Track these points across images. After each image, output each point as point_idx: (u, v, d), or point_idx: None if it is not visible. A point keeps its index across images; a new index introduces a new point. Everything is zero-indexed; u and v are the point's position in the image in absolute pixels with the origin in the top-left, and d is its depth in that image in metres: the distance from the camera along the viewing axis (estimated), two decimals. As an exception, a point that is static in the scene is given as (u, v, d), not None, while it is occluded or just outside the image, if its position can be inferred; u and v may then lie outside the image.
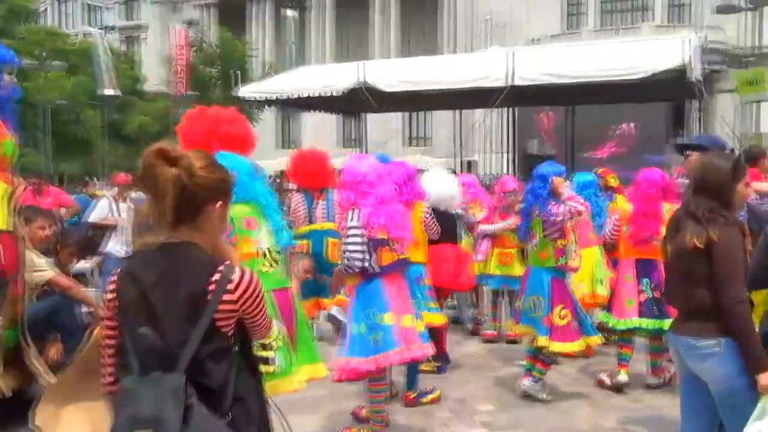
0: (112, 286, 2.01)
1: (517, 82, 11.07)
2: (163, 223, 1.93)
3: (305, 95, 12.00)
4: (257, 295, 2.00)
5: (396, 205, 4.30)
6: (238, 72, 15.39)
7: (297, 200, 5.73)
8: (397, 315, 4.18)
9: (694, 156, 4.31)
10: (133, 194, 7.99)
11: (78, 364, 2.73)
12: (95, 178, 20.06)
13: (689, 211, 3.05)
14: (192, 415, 1.83)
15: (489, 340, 7.05)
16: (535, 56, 12.65)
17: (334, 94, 11.60)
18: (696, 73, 10.76)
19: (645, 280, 5.40)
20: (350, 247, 4.19)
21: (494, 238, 6.91)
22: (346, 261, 4.20)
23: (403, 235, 4.25)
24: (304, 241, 5.69)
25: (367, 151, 14.01)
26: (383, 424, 4.36)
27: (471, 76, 11.35)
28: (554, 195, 4.98)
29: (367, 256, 4.18)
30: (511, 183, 7.15)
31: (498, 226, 6.91)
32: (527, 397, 5.30)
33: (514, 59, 11.00)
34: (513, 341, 6.82)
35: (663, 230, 5.29)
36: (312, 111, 15.11)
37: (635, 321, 5.39)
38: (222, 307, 1.92)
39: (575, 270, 5.57)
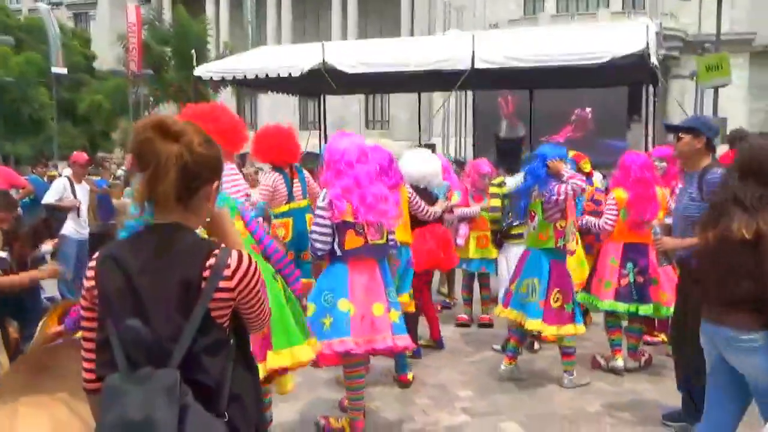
0: (90, 273, 1.80)
1: (479, 65, 10.99)
2: (162, 204, 1.76)
3: (265, 75, 11.74)
4: (256, 282, 1.83)
5: (374, 188, 4.10)
6: (194, 51, 14.97)
7: (277, 178, 5.54)
8: (359, 303, 4.02)
9: (686, 138, 4.26)
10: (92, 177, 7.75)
11: (29, 357, 2.57)
12: (50, 159, 19.42)
13: (736, 199, 2.91)
14: (188, 416, 1.63)
15: (462, 324, 7.04)
16: (496, 40, 12.62)
17: (295, 74, 11.36)
18: (654, 59, 10.88)
19: (629, 265, 5.42)
20: (314, 228, 4.08)
21: (471, 221, 6.86)
22: (310, 244, 4.09)
23: (373, 220, 4.07)
24: (286, 220, 5.53)
25: (326, 134, 13.84)
26: (361, 412, 4.25)
27: (433, 59, 11.24)
28: (555, 176, 4.95)
29: (330, 239, 4.04)
30: (486, 166, 7.13)
31: (475, 209, 6.89)
32: (506, 381, 5.28)
33: (475, 42, 10.91)
34: (486, 325, 6.85)
35: (661, 214, 5.35)
36: (271, 92, 14.82)
37: (608, 303, 5.42)
38: (218, 295, 1.75)
39: (572, 253, 5.58)
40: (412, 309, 5.32)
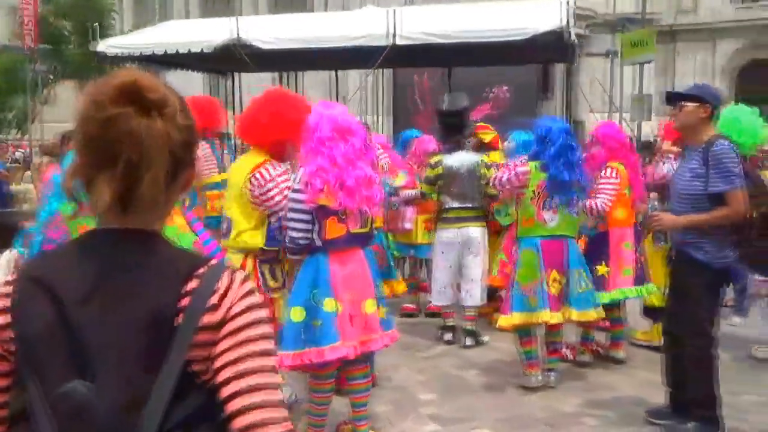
0: (0, 303, 1.18)
1: (399, 41, 10.79)
2: (138, 205, 1.17)
3: (174, 51, 11.12)
4: (256, 321, 1.18)
5: (357, 170, 3.57)
6: (96, 25, 14.05)
7: (205, 148, 5.16)
8: (346, 301, 3.56)
9: (689, 107, 4.04)
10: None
11: None
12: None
13: None
14: None
15: (408, 315, 6.76)
16: (416, 15, 12.39)
17: (206, 51, 10.80)
18: (573, 36, 10.95)
19: (638, 246, 5.28)
20: (290, 215, 3.54)
21: (418, 204, 6.56)
22: (287, 237, 3.55)
23: (354, 207, 3.56)
24: (219, 191, 5.10)
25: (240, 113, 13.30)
26: (322, 429, 3.83)
27: (352, 35, 10.93)
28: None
29: (310, 227, 3.54)
30: (432, 144, 6.79)
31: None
32: (468, 382, 5.04)
33: (395, 18, 10.66)
34: (434, 314, 6.58)
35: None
36: (179, 69, 14.12)
37: (629, 291, 5.20)
38: (201, 337, 1.14)
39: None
40: (403, 288, 5.20)
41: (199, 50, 10.94)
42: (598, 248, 5.24)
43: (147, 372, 1.10)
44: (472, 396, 4.85)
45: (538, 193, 4.78)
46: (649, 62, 13.03)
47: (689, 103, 4.05)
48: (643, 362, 5.48)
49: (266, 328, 1.19)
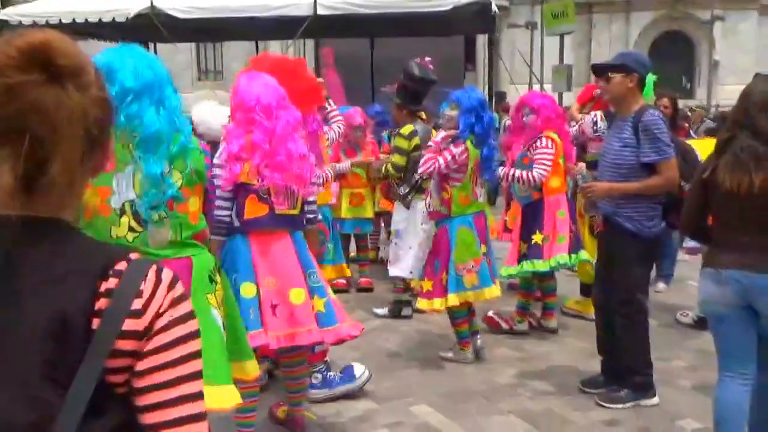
0: None
1: (321, 11, 10.58)
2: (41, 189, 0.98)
3: (84, 20, 10.55)
4: (187, 334, 1.02)
5: (291, 144, 3.30)
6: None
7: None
8: (268, 289, 3.30)
9: (616, 78, 4.00)
10: None
11: None
12: None
13: None
14: None
15: (339, 291, 6.64)
16: (338, -15, 12.17)
17: (119, 19, 10.30)
18: (494, 8, 11.02)
19: (572, 215, 5.29)
20: (218, 193, 3.27)
21: (342, 178, 6.38)
22: (213, 216, 3.25)
23: (282, 184, 3.30)
24: None
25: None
26: (252, 429, 3.60)
27: (273, 4, 10.63)
28: None
29: (229, 203, 3.29)
30: (358, 117, 6.60)
31: (346, 164, 6.41)
32: (401, 358, 4.95)
33: (317, -13, 10.42)
34: (365, 289, 6.48)
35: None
36: (91, 39, 13.45)
37: (564, 258, 5.13)
38: (121, 344, 0.97)
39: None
40: (347, 273, 4.91)
41: (111, 19, 10.43)
42: (533, 217, 5.23)
43: (55, 387, 0.92)
44: (408, 372, 4.79)
45: (474, 170, 4.72)
46: (569, 33, 13.20)
47: (616, 74, 4.03)
48: (575, 331, 5.55)
49: (197, 344, 1.03)
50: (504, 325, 5.47)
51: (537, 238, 5.17)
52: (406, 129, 5.72)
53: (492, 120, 4.84)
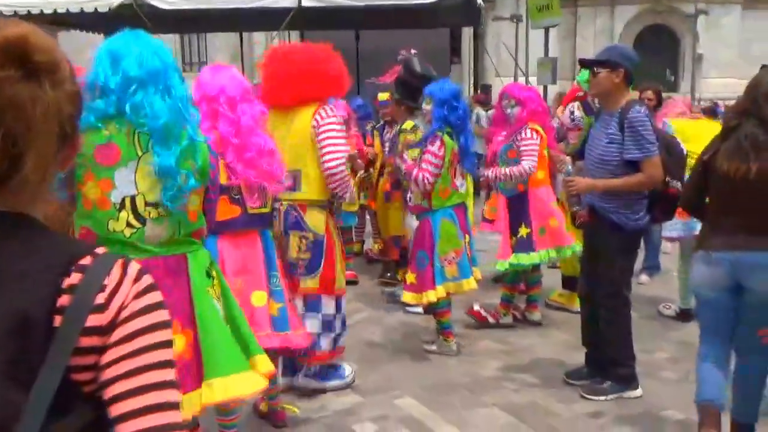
0: None
1: (306, 3, 10.54)
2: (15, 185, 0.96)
3: (65, 10, 10.44)
4: (151, 327, 0.99)
5: (258, 138, 3.22)
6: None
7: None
8: (233, 290, 3.14)
9: (603, 73, 3.98)
10: None
11: None
12: None
13: None
14: None
15: None
16: (323, -24, 12.12)
17: (101, 10, 10.19)
18: (479, 0, 11.02)
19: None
20: None
21: None
22: None
23: (255, 181, 3.23)
24: None
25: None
26: (235, 429, 3.47)
27: (257, -5, 10.58)
28: None
29: None
30: (342, 110, 6.56)
31: None
32: (386, 349, 4.94)
33: (302, -22, 10.38)
34: (350, 282, 6.42)
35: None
36: (73, 30, 13.30)
37: (552, 251, 5.22)
38: (85, 341, 0.95)
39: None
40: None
41: (93, 9, 10.33)
42: (519, 210, 5.23)
43: (18, 386, 0.89)
44: (393, 365, 4.78)
45: (452, 161, 4.71)
46: (555, 26, 13.21)
47: (602, 69, 4.02)
48: (560, 324, 5.56)
49: (165, 334, 1.00)
50: (491, 319, 5.47)
51: (522, 231, 5.18)
52: (408, 124, 5.76)
53: (466, 112, 4.82)
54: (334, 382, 4.35)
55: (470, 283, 4.79)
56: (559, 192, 5.46)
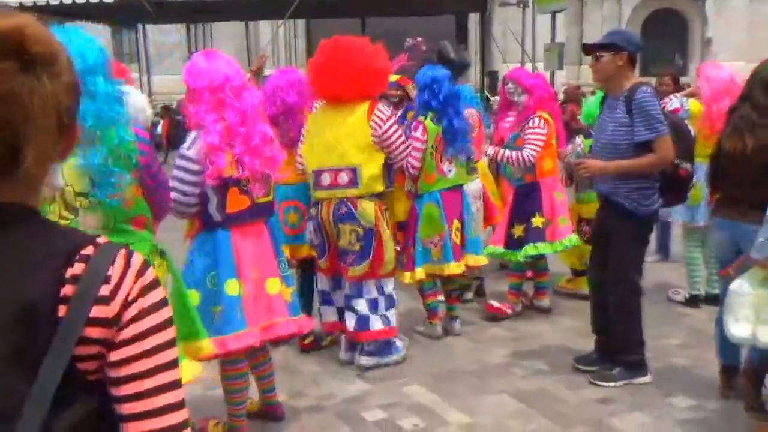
0: None
1: (311, -10, 10.48)
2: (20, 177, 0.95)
3: (69, 1, 10.44)
4: (162, 323, 1.00)
5: (260, 126, 3.20)
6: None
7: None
8: (249, 281, 3.20)
9: (606, 57, 3.96)
10: None
11: None
12: None
13: None
14: None
15: None
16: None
17: (106, 0, 10.18)
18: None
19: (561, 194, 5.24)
20: (176, 180, 3.10)
21: None
22: (174, 204, 3.09)
23: (260, 170, 3.19)
24: None
25: (148, 68, 12.70)
26: (242, 419, 3.53)
27: (262, -17, 10.54)
28: None
29: (194, 200, 3.15)
30: None
31: None
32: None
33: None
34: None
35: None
36: (78, 21, 13.32)
37: (569, 240, 5.16)
38: (89, 332, 0.95)
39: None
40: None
41: (98, 0, 10.31)
42: (529, 200, 5.18)
43: (23, 375, 0.89)
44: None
45: (436, 146, 4.68)
46: (562, 10, 13.13)
47: (605, 53, 3.99)
48: (568, 310, 5.55)
49: (171, 332, 1.01)
50: (508, 311, 5.42)
51: (536, 221, 5.13)
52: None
53: (451, 95, 4.66)
54: (391, 357, 4.51)
55: (451, 268, 4.78)
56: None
